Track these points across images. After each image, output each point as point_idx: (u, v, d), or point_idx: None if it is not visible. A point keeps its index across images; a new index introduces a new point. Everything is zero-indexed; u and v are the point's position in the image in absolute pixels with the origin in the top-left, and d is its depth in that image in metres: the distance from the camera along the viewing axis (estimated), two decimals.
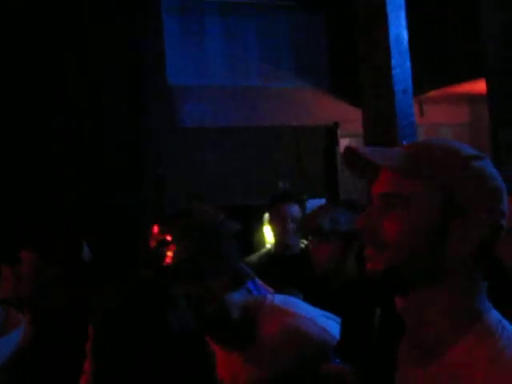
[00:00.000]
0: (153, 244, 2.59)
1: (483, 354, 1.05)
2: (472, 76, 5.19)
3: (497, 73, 4.59)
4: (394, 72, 2.67)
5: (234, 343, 1.82)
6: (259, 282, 2.17)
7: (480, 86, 5.03)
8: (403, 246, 1.12)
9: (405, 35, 2.75)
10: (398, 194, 1.14)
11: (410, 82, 2.71)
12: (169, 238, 2.23)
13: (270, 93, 6.17)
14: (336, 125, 6.58)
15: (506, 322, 1.11)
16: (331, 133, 6.55)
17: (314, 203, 4.43)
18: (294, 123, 6.35)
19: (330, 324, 1.87)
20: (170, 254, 2.18)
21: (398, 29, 2.72)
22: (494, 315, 1.12)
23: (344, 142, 6.68)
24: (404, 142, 2.59)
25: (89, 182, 5.76)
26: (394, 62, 2.68)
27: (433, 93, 6.62)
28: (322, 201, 4.66)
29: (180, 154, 5.98)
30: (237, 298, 1.79)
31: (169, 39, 6.14)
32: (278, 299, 1.87)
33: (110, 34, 5.92)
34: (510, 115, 4.55)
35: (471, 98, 7.01)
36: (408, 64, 2.74)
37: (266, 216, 3.43)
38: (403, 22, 2.76)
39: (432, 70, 5.61)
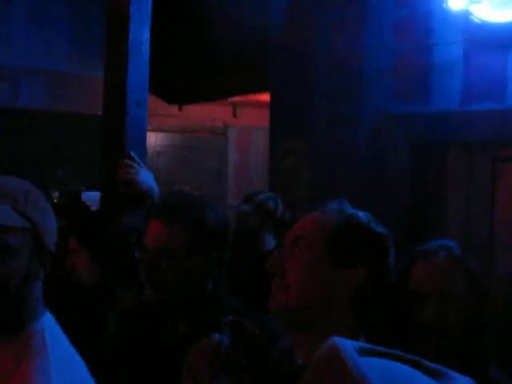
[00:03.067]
0: None
1: None
2: (260, 88, 5.39)
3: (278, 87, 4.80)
4: (128, 85, 2.72)
5: None
6: None
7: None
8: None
9: (146, 47, 2.81)
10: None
11: (145, 95, 2.77)
12: None
13: (76, 79, 6.08)
14: None
15: None
16: None
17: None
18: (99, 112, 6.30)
19: None
20: None
21: (140, 40, 2.78)
22: None
23: (151, 136, 6.74)
24: (132, 153, 2.66)
25: None
26: (130, 74, 2.73)
27: (243, 97, 6.78)
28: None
29: None
30: None
31: None
32: None
33: None
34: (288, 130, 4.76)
35: None
36: (146, 78, 2.81)
37: None
38: (146, 34, 2.83)
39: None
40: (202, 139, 7.12)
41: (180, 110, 6.93)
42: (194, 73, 6.37)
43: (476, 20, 3.97)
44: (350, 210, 1.57)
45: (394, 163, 4.33)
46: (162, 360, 1.90)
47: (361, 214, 1.58)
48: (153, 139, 6.68)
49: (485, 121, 3.95)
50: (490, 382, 1.75)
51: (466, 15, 3.92)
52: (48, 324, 1.42)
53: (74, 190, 4.37)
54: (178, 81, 6.52)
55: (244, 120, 7.45)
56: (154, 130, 6.70)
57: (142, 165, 2.75)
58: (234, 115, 7.42)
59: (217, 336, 1.57)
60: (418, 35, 4.25)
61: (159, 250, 1.92)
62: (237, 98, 7.00)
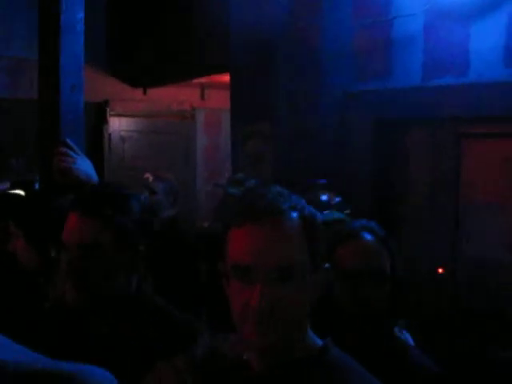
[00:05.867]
0: None
1: None
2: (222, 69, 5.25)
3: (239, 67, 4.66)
4: (62, 67, 2.57)
5: None
6: None
7: None
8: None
9: (81, 27, 2.66)
10: None
11: (81, 77, 2.61)
12: None
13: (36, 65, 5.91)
14: (106, 103, 6.46)
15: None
16: (101, 111, 6.43)
17: None
18: None
19: None
20: None
21: (73, 19, 2.62)
22: None
23: (114, 121, 6.57)
24: (68, 140, 2.50)
25: None
26: (63, 55, 2.57)
27: (210, 79, 6.63)
28: None
29: None
30: None
31: None
32: None
33: None
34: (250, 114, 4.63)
35: None
36: (81, 60, 2.65)
37: None
38: (80, 13, 2.66)
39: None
40: (169, 123, 6.96)
41: (145, 93, 6.77)
42: (156, 55, 6.21)
43: None
44: None
45: (357, 140, 4.21)
46: (85, 362, 1.77)
47: None
48: (117, 124, 6.51)
49: (447, 96, 3.82)
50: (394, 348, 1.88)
51: None
52: None
53: (27, 179, 4.23)
54: (140, 64, 6.36)
55: (212, 102, 7.30)
56: (117, 115, 6.54)
57: (79, 152, 2.58)
58: (202, 97, 7.26)
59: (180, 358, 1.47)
60: (377, 9, 4.11)
61: (81, 246, 1.76)
62: (204, 80, 6.85)
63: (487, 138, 3.91)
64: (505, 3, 3.71)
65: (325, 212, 3.22)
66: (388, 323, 1.95)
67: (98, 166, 6.72)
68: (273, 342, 1.14)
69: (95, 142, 6.38)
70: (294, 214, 1.17)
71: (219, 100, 7.48)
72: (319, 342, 1.26)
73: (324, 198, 3.36)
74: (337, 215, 3.26)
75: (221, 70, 5.65)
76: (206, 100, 7.31)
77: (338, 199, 3.39)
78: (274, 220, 1.15)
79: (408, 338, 2.38)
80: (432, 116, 3.95)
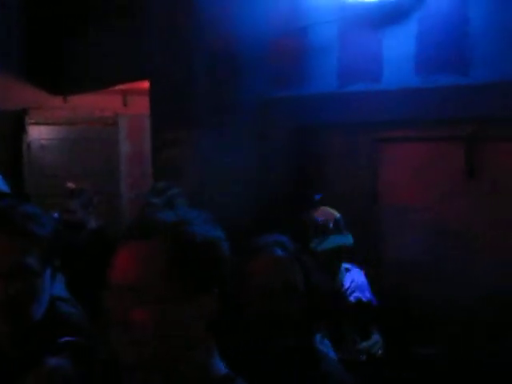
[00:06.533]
0: None
1: None
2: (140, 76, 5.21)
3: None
4: None
5: None
6: None
7: None
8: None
9: None
10: None
11: None
12: None
13: None
14: (25, 111, 6.31)
15: None
16: (19, 119, 6.28)
17: None
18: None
19: None
20: None
21: None
22: None
23: (34, 130, 6.43)
24: None
25: None
26: None
27: (133, 85, 6.56)
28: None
29: None
30: None
31: None
32: None
33: None
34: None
35: None
36: None
37: None
38: None
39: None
40: (91, 130, 6.84)
41: (65, 101, 6.64)
42: (76, 62, 6.11)
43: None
44: None
45: (275, 147, 4.24)
46: None
47: None
48: (36, 133, 6.36)
49: (362, 102, 3.91)
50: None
51: None
52: None
53: None
54: (60, 71, 6.24)
55: (135, 109, 7.21)
56: (37, 124, 6.39)
57: None
58: (125, 104, 7.17)
59: (53, 361, 1.41)
60: (293, 18, 4.16)
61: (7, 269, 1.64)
62: (126, 87, 6.77)
63: (402, 141, 4.01)
64: (415, 12, 3.82)
65: (329, 237, 3.19)
66: (305, 336, 1.96)
67: (18, 176, 6.58)
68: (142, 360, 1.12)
69: (14, 152, 6.22)
70: (163, 238, 1.14)
71: (142, 106, 7.36)
72: (223, 371, 1.23)
73: (319, 219, 3.30)
74: (338, 240, 3.22)
75: (141, 77, 5.61)
76: (128, 106, 7.22)
77: (337, 216, 3.31)
78: (139, 243, 1.14)
79: (328, 347, 2.41)
80: (348, 121, 4.03)
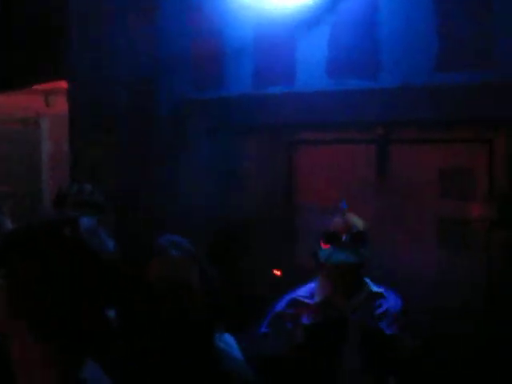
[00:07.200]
0: None
1: None
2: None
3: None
4: None
5: None
6: None
7: None
8: None
9: None
10: None
11: None
12: None
13: None
14: None
15: None
16: None
17: None
18: None
19: None
20: None
21: None
22: None
23: None
24: None
25: None
26: None
27: (56, 84, 6.48)
28: None
29: None
30: None
31: None
32: None
33: None
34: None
35: None
36: None
37: None
38: None
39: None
40: (12, 131, 6.73)
41: None
42: None
43: (266, 4, 3.99)
44: None
45: (193, 149, 4.27)
46: None
47: None
48: None
49: (277, 104, 3.97)
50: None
51: None
52: None
53: None
54: None
55: (57, 109, 7.11)
56: None
57: None
58: (47, 104, 7.08)
59: None
60: (210, 20, 4.20)
61: None
62: (48, 86, 6.68)
63: (316, 144, 4.11)
64: (328, 16, 3.92)
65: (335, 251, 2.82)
66: (202, 335, 1.97)
67: None
68: None
69: None
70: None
71: (65, 106, 7.28)
72: None
73: (331, 229, 2.91)
74: (340, 256, 2.81)
75: (61, 77, 5.54)
76: (50, 107, 7.12)
77: (355, 229, 2.90)
78: None
79: (232, 344, 2.40)
80: (264, 123, 4.10)
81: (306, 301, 2.93)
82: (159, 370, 1.85)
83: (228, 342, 2.40)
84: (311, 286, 3.00)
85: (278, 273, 4.29)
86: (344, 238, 2.82)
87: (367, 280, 2.96)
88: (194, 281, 1.89)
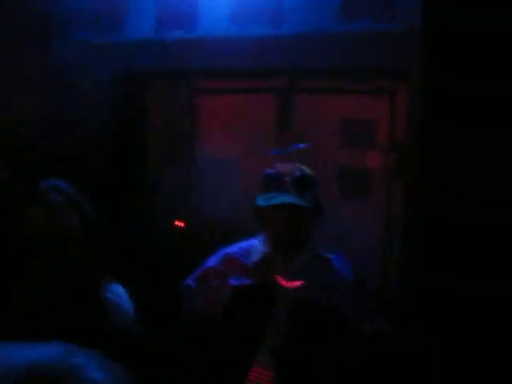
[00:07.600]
0: None
1: None
2: None
3: None
4: None
5: None
6: None
7: None
8: None
9: None
10: None
11: None
12: None
13: None
14: None
15: None
16: None
17: None
18: None
19: None
20: None
21: None
22: None
23: None
24: None
25: None
26: None
27: None
28: None
29: None
30: None
31: None
32: None
33: None
34: None
35: None
36: None
37: None
38: None
39: None
40: None
41: None
42: None
43: None
44: None
45: (96, 94, 4.14)
46: None
47: None
48: None
49: (179, 50, 3.87)
50: None
51: None
52: None
53: None
54: None
55: None
56: None
57: None
58: None
59: None
60: None
61: None
62: None
63: (218, 92, 4.03)
64: None
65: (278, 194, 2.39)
66: (87, 285, 1.89)
67: None
68: None
69: None
70: None
71: None
72: None
73: (270, 172, 2.53)
74: (291, 199, 2.37)
75: None
76: None
77: (299, 174, 2.50)
78: None
79: (121, 295, 2.22)
80: (166, 69, 3.99)
81: (241, 259, 2.53)
82: (42, 324, 1.78)
83: (117, 292, 2.29)
84: (251, 242, 2.58)
85: (180, 224, 4.23)
86: (288, 179, 2.43)
87: (315, 241, 2.52)
88: (74, 227, 1.80)
